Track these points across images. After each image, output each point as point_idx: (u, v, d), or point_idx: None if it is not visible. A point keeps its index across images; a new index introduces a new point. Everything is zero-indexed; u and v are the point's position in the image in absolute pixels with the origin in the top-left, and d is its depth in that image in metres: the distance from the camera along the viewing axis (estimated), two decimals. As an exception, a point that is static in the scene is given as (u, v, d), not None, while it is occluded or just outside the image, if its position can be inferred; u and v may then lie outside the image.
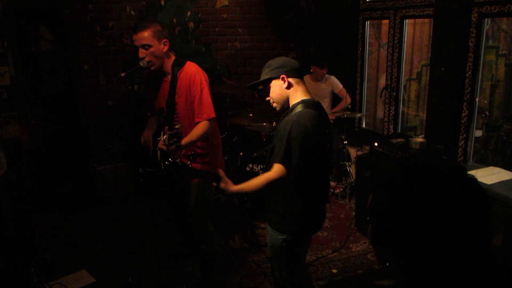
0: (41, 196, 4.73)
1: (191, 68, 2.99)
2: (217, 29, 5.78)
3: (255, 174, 4.60)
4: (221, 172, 2.38)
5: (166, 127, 2.78)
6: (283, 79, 2.40)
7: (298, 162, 2.27)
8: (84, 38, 5.18)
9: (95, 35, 5.23)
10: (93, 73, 5.32)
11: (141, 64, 2.86)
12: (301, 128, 2.26)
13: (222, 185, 2.34)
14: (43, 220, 4.39)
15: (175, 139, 2.58)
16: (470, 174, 0.98)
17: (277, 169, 2.28)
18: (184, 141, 2.76)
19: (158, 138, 3.04)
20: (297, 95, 2.42)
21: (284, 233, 2.47)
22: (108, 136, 5.29)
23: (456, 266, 0.94)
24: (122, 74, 2.84)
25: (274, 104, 2.50)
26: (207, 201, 3.18)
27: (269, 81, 2.45)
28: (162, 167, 2.88)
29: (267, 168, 2.46)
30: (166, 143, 2.61)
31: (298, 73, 2.45)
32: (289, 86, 2.41)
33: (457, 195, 0.94)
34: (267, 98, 2.52)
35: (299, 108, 2.37)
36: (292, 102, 2.43)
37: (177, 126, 2.67)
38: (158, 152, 3.03)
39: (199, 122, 2.94)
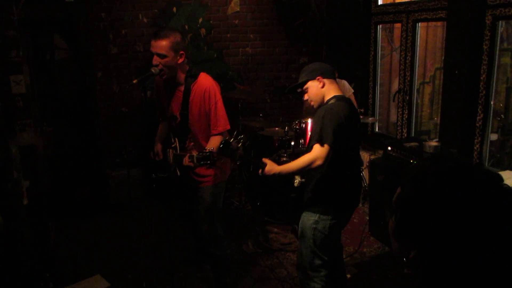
0: (57, 202, 4.78)
1: (205, 81, 3.02)
2: (228, 35, 5.81)
3: (267, 179, 4.60)
4: (266, 160, 2.68)
5: (192, 143, 3.01)
6: (318, 80, 2.71)
7: (331, 142, 2.49)
8: (97, 46, 5.25)
9: (108, 42, 5.30)
10: (107, 80, 5.38)
11: (153, 70, 2.88)
12: (333, 114, 2.55)
13: (267, 168, 2.63)
14: (58, 225, 4.44)
15: (208, 162, 2.73)
16: (506, 184, 0.96)
17: (314, 149, 2.53)
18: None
19: (173, 145, 3.09)
20: (330, 93, 2.73)
21: (316, 213, 2.72)
22: (121, 142, 5.34)
23: (476, 268, 0.93)
24: (134, 81, 2.86)
25: (312, 103, 2.78)
26: (217, 204, 3.21)
27: (305, 82, 2.75)
28: (178, 174, 2.97)
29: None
30: (195, 161, 2.76)
31: (331, 74, 2.77)
32: (324, 85, 2.72)
33: (488, 201, 0.93)
34: (305, 98, 2.79)
35: (331, 101, 2.68)
36: (326, 98, 2.73)
37: (207, 150, 2.75)
38: (171, 156, 3.07)
39: (215, 134, 3.02)
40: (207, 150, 2.73)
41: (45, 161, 4.41)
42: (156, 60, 2.88)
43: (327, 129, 2.50)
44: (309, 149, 2.62)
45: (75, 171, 5.05)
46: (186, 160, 2.85)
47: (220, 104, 3.02)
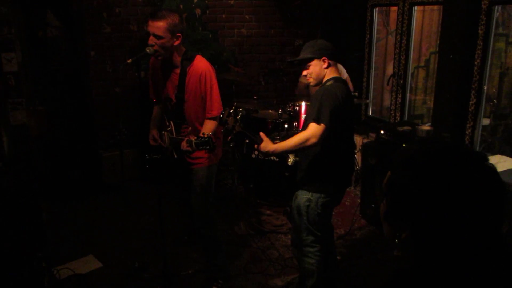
0: (49, 182, 4.78)
1: (201, 65, 3.01)
2: (224, 16, 5.75)
3: (260, 161, 4.62)
4: (262, 134, 2.71)
5: (190, 128, 3.02)
6: (324, 60, 2.75)
7: (326, 122, 2.55)
8: (90, 25, 5.18)
9: (102, 21, 5.22)
10: (100, 59, 5.32)
11: (148, 50, 2.85)
12: (331, 94, 2.62)
13: (262, 145, 2.66)
14: (51, 206, 4.45)
15: (207, 147, 2.74)
16: (491, 163, 1.00)
17: (311, 127, 2.59)
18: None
19: (168, 128, 3.09)
20: (330, 74, 2.78)
21: (309, 192, 2.79)
22: (114, 123, 5.32)
23: (465, 246, 0.96)
24: (129, 61, 2.83)
25: (311, 79, 2.82)
26: (210, 184, 3.23)
27: (311, 59, 2.76)
28: (175, 157, 3.00)
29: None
30: (193, 147, 2.78)
31: (335, 57, 2.81)
32: (327, 66, 2.76)
33: (476, 180, 0.96)
34: (304, 73, 2.82)
35: (330, 82, 2.74)
36: (326, 79, 2.78)
37: (205, 135, 2.75)
38: (166, 139, 3.07)
39: (210, 118, 3.02)
40: (206, 135, 2.74)
41: (37, 141, 4.38)
42: (152, 40, 2.86)
43: (324, 109, 2.56)
44: (304, 127, 2.67)
45: (67, 151, 5.03)
46: (184, 145, 2.87)
47: (216, 87, 3.02)
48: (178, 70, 3.02)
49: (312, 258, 2.89)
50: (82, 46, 5.10)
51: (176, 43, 2.92)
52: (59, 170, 4.96)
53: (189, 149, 2.84)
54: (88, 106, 5.19)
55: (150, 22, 2.85)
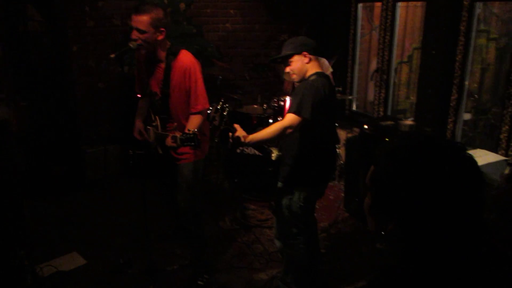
0: (31, 179, 4.71)
1: (186, 59, 2.99)
2: (208, 10, 5.72)
3: (245, 156, 4.62)
4: (236, 125, 2.70)
5: (176, 124, 3.00)
6: (305, 55, 2.77)
7: (308, 116, 2.58)
8: (73, 19, 5.11)
9: (85, 15, 5.16)
10: (83, 54, 5.26)
11: (131, 45, 2.84)
12: (314, 88, 2.65)
13: (237, 133, 2.66)
14: (33, 203, 4.39)
15: (193, 143, 2.73)
16: (469, 153, 1.03)
17: (288, 116, 2.63)
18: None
19: (154, 124, 3.07)
20: (313, 69, 2.80)
21: (292, 186, 2.83)
22: (98, 118, 5.27)
23: (448, 238, 0.98)
24: (112, 56, 2.81)
25: (294, 76, 2.84)
26: (196, 180, 3.22)
27: (291, 55, 2.78)
28: (160, 152, 2.99)
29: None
30: (178, 143, 2.77)
31: (316, 51, 2.83)
32: (309, 61, 2.78)
33: (456, 170, 0.98)
34: (287, 70, 2.84)
35: (313, 77, 2.77)
36: (308, 74, 2.80)
37: (190, 131, 2.73)
38: (151, 134, 3.05)
39: (194, 113, 3.00)
40: (191, 132, 2.72)
41: (19, 137, 4.32)
42: (135, 34, 2.84)
43: (306, 102, 2.59)
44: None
45: (50, 147, 4.96)
46: (169, 141, 2.87)
47: (201, 82, 3.00)
48: (163, 65, 3.01)
49: (296, 250, 2.93)
50: (64, 40, 5.02)
51: (160, 37, 2.91)
52: (41, 166, 4.89)
53: (174, 145, 2.83)
54: (71, 102, 5.12)
55: (133, 17, 2.83)
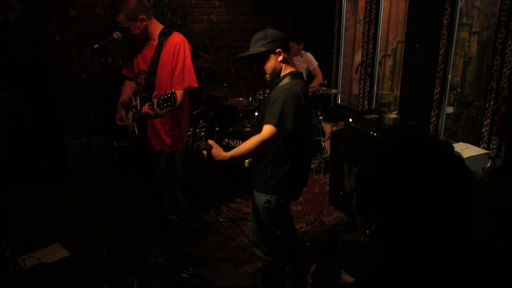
0: (14, 169, 4.65)
1: (177, 37, 3.02)
2: (193, 1, 5.68)
3: (231, 149, 4.61)
4: (211, 141, 2.50)
5: (156, 92, 2.84)
6: (279, 52, 2.52)
7: (291, 126, 2.40)
8: (55, 8, 5.02)
9: (67, 4, 5.08)
10: (65, 44, 5.18)
11: (115, 35, 2.85)
12: (295, 95, 2.42)
13: (214, 151, 2.46)
14: (15, 194, 4.33)
15: (169, 103, 2.62)
16: (457, 151, 1.01)
17: (269, 129, 2.41)
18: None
19: (133, 103, 3.04)
20: (286, 68, 2.57)
21: (268, 194, 2.64)
22: (81, 109, 5.20)
23: (434, 236, 0.98)
24: (96, 46, 2.79)
25: (267, 76, 2.59)
26: (175, 170, 3.22)
27: (266, 53, 2.52)
28: (137, 133, 2.92)
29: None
30: (155, 106, 2.67)
31: (288, 47, 2.60)
32: (283, 60, 2.54)
33: (443, 170, 0.97)
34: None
35: (287, 79, 2.52)
36: (282, 73, 2.57)
37: (169, 91, 2.66)
38: (130, 117, 3.02)
39: (180, 89, 2.95)
40: (168, 92, 2.65)
41: (0, 127, 4.25)
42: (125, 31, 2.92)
43: (288, 113, 2.39)
44: (258, 126, 2.54)
45: (32, 138, 4.89)
46: (145, 107, 2.81)
47: (189, 61, 3.01)
48: (154, 43, 3.03)
49: (274, 256, 2.79)
50: (46, 29, 4.94)
51: (144, 24, 2.93)
52: (24, 156, 4.83)
53: (151, 112, 2.77)
54: (53, 92, 5.05)
55: (115, 19, 2.89)
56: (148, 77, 3.03)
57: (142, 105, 3.00)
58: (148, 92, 3.01)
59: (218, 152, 2.47)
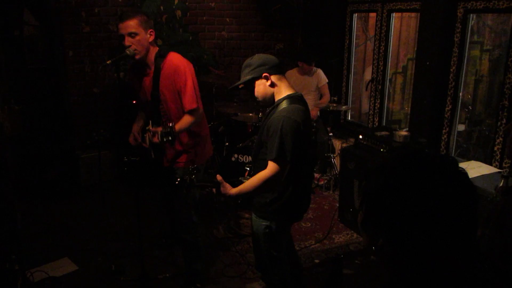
0: (24, 183, 4.68)
1: (174, 59, 2.98)
2: (204, 18, 5.74)
3: (240, 164, 4.61)
4: (219, 177, 2.46)
5: (164, 120, 2.92)
6: (265, 77, 2.44)
7: (291, 156, 2.34)
8: (69, 24, 5.11)
9: (80, 20, 5.16)
10: (78, 59, 5.25)
11: (128, 52, 2.84)
12: (292, 124, 2.32)
13: (222, 189, 2.44)
14: (26, 207, 4.35)
15: (169, 138, 2.68)
16: (461, 167, 1.00)
17: (271, 166, 2.35)
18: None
19: (147, 127, 3.05)
20: (281, 91, 2.47)
21: (268, 220, 2.57)
22: (92, 124, 5.25)
23: (439, 253, 0.97)
24: (108, 62, 2.80)
25: (260, 102, 2.56)
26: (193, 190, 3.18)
27: (252, 81, 2.47)
28: (153, 156, 2.96)
29: (254, 161, 2.59)
30: (160, 139, 2.75)
31: (279, 69, 2.49)
32: (273, 84, 2.46)
33: (447, 186, 0.96)
34: (256, 94, 2.54)
35: (284, 104, 2.42)
36: (277, 98, 2.48)
37: (170, 124, 2.70)
38: (147, 140, 3.03)
39: (185, 112, 2.98)
40: (169, 125, 2.69)
41: (12, 140, 4.30)
42: (128, 41, 2.84)
43: (287, 144, 2.32)
44: (256, 159, 2.53)
45: (44, 152, 4.93)
46: (148, 135, 2.87)
47: (190, 82, 2.95)
48: (152, 68, 3.00)
49: (278, 277, 2.76)
50: (59, 45, 5.02)
51: (151, 39, 2.93)
52: (35, 170, 4.87)
53: (157, 140, 2.81)
54: (65, 106, 5.11)
55: (121, 25, 2.84)
56: (152, 103, 3.04)
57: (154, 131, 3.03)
58: (157, 117, 3.04)
59: (226, 190, 2.45)
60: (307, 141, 2.53)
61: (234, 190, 2.44)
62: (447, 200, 0.95)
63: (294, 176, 2.49)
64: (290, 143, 2.32)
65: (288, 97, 2.44)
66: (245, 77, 2.48)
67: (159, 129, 2.81)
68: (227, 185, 2.46)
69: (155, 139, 2.82)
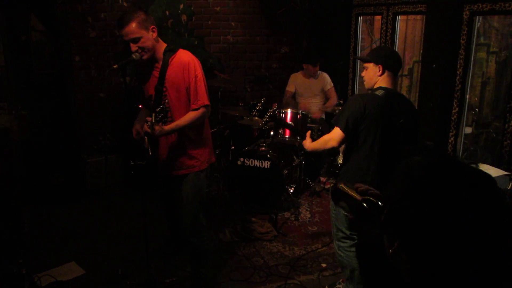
0: (31, 188, 4.70)
1: (184, 56, 2.95)
2: (210, 22, 5.76)
3: (246, 168, 4.62)
4: (308, 133, 2.96)
5: (154, 113, 2.79)
6: (379, 67, 2.79)
7: (342, 128, 2.67)
8: (75, 29, 5.15)
9: (87, 26, 5.19)
10: (85, 64, 5.28)
11: (134, 56, 2.82)
12: (354, 102, 2.70)
13: (303, 141, 2.96)
14: (32, 212, 4.37)
15: (162, 115, 2.64)
16: (499, 188, 0.94)
17: (333, 129, 2.75)
18: (169, 126, 2.82)
19: (147, 123, 3.03)
20: (382, 83, 2.81)
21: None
22: (99, 128, 5.27)
23: (459, 265, 0.92)
24: (115, 66, 2.79)
25: (364, 82, 2.94)
26: (200, 194, 3.17)
27: (368, 61, 2.85)
28: (150, 153, 2.92)
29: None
30: (153, 121, 2.70)
31: (393, 68, 2.82)
32: (381, 74, 2.80)
33: (472, 197, 0.91)
34: (362, 74, 2.95)
35: (374, 91, 2.79)
36: (376, 86, 2.83)
37: (163, 103, 2.66)
38: (146, 139, 3.00)
39: (194, 109, 2.93)
40: (163, 103, 2.66)
41: (19, 145, 4.32)
42: (133, 46, 2.82)
43: (343, 114, 2.69)
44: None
45: (50, 156, 4.96)
46: (145, 127, 2.78)
47: (200, 78, 2.92)
48: (160, 63, 2.96)
49: (343, 252, 3.05)
50: (66, 50, 5.06)
51: (154, 36, 2.88)
52: (42, 175, 4.89)
53: (148, 129, 2.74)
54: (71, 111, 5.14)
55: (121, 32, 2.80)
56: (156, 96, 2.98)
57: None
58: (158, 114, 2.94)
59: (304, 141, 2.99)
60: (378, 127, 2.72)
61: (309, 144, 2.96)
62: (470, 211, 0.90)
63: (363, 156, 2.78)
64: (345, 115, 2.70)
65: (381, 88, 2.78)
66: (367, 56, 2.88)
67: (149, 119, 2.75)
68: (308, 138, 2.95)
69: (147, 128, 2.75)
